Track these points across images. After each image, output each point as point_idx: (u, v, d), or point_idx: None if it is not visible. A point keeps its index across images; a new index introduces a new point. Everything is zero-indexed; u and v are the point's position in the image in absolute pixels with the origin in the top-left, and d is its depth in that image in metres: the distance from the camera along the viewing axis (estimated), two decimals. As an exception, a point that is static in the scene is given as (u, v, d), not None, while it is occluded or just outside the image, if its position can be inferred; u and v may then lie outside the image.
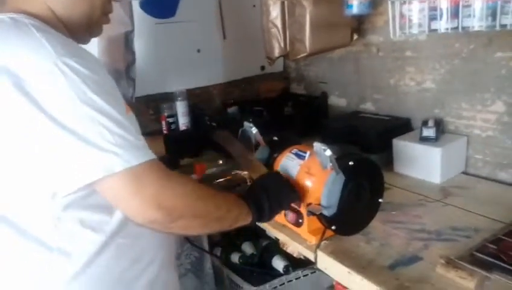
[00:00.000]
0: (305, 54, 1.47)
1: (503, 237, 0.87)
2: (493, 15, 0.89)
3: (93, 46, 1.46)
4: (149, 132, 1.71)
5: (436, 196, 1.16)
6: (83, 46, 0.84)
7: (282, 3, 1.48)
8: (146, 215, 0.67)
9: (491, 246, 0.84)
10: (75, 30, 0.78)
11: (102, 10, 0.82)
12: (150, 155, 0.68)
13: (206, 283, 1.49)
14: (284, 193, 0.89)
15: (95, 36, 0.85)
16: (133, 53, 1.38)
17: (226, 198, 0.83)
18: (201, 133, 1.32)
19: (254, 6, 1.82)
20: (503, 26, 0.89)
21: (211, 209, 0.76)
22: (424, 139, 1.26)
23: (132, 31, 1.35)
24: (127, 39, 1.36)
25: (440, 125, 1.29)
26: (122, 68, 1.38)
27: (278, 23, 1.50)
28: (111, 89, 0.71)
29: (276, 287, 1.26)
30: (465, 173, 1.30)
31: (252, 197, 0.85)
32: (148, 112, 1.75)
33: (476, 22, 0.92)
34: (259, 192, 0.86)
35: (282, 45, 1.53)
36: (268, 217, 0.87)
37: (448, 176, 1.25)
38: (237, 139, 1.11)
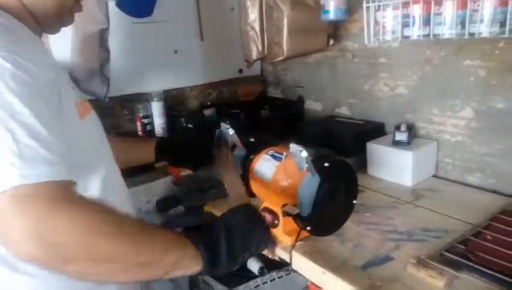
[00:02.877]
0: (282, 58, 1.48)
1: (471, 238, 0.89)
2: (462, 23, 0.93)
3: (67, 43, 1.43)
4: (123, 133, 1.69)
5: (408, 198, 1.19)
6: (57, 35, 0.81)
7: (261, 7, 1.49)
8: (24, 249, 0.53)
9: (460, 246, 0.86)
10: (43, 18, 0.72)
11: None
12: (58, 175, 0.56)
13: (179, 286, 1.46)
14: (254, 234, 0.74)
15: (66, 25, 0.80)
16: (107, 51, 1.35)
17: (160, 237, 0.65)
18: (202, 144, 1.14)
19: (232, 9, 1.82)
20: (472, 34, 0.93)
21: (127, 251, 0.59)
22: (396, 143, 1.30)
23: (107, 28, 1.32)
24: (102, 37, 1.33)
25: (412, 130, 1.33)
26: (96, 66, 1.35)
27: (256, 26, 1.51)
28: (44, 91, 0.60)
29: (251, 289, 1.25)
30: (435, 176, 1.34)
31: (204, 238, 0.68)
32: (122, 112, 1.72)
33: (447, 29, 0.96)
34: (217, 231, 0.70)
35: (260, 48, 1.54)
36: (227, 264, 0.70)
37: (420, 179, 1.29)
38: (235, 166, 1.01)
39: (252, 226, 0.75)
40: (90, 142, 0.75)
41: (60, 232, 0.54)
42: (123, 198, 0.88)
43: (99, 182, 0.76)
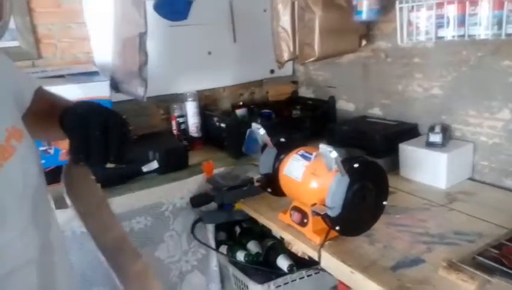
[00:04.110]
0: (313, 58, 1.49)
1: (506, 242, 0.87)
2: (499, 24, 0.91)
3: (108, 46, 1.51)
4: (159, 132, 1.76)
5: (441, 200, 1.17)
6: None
7: (292, 8, 1.50)
8: None
9: (493, 250, 0.85)
10: None
11: None
12: None
13: (211, 280, 1.51)
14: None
15: None
16: (145, 54, 1.42)
17: None
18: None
19: (265, 10, 1.85)
20: (509, 35, 0.90)
21: None
22: (430, 145, 1.27)
23: (145, 32, 1.38)
24: (141, 40, 1.39)
25: (447, 131, 1.30)
26: (135, 69, 1.41)
27: (288, 27, 1.53)
28: None
29: (280, 285, 1.27)
30: (471, 179, 1.31)
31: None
32: (158, 111, 1.79)
33: (482, 30, 0.94)
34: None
35: (291, 48, 1.55)
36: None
37: (454, 181, 1.26)
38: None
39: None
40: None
41: None
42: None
43: None
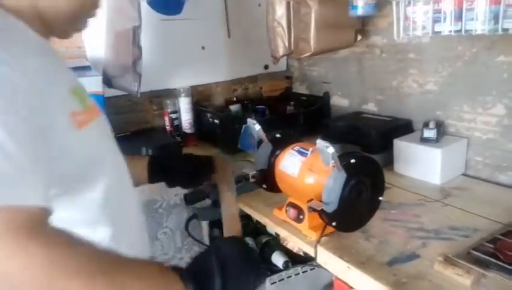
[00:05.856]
0: (309, 54, 1.48)
1: (501, 237, 0.88)
2: (495, 19, 0.91)
3: (101, 40, 1.48)
4: (151, 128, 1.74)
5: (435, 196, 1.17)
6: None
7: (288, 3, 1.49)
8: None
9: (488, 245, 0.85)
10: (53, 22, 0.66)
11: (93, 5, 0.71)
12: (20, 199, 0.48)
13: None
14: (252, 274, 0.65)
15: (77, 32, 0.74)
16: (139, 48, 1.40)
17: (142, 275, 0.55)
18: (200, 160, 1.09)
19: (259, 5, 1.84)
20: (505, 30, 0.90)
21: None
22: (424, 140, 1.28)
23: (139, 26, 1.36)
24: (134, 34, 1.37)
25: (441, 127, 1.31)
26: (128, 63, 1.39)
27: (283, 22, 1.52)
28: (30, 99, 0.53)
29: (275, 282, 1.26)
30: (465, 174, 1.31)
31: (194, 275, 0.59)
32: (151, 107, 1.77)
33: (479, 25, 0.94)
34: (210, 268, 0.60)
35: (286, 44, 1.54)
36: None
37: (448, 177, 1.27)
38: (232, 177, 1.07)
39: (249, 265, 0.66)
40: (90, 154, 0.65)
41: (23, 265, 0.46)
42: (132, 207, 0.79)
43: (102, 193, 0.67)
